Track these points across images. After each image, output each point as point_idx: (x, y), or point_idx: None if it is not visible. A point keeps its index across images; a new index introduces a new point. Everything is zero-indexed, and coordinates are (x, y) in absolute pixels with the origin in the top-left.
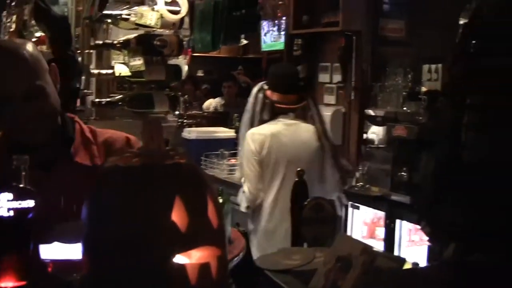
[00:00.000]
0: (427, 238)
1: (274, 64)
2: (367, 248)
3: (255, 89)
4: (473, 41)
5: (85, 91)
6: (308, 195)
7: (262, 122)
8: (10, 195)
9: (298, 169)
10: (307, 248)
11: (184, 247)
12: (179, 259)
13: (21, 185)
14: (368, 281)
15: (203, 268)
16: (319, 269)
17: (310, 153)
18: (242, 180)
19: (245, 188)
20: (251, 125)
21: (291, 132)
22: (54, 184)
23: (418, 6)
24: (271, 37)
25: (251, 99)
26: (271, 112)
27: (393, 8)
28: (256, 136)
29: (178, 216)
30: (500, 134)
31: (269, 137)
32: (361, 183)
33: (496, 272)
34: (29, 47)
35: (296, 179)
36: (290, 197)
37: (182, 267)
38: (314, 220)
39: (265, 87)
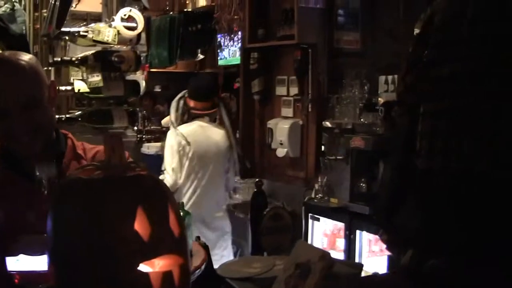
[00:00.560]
0: (385, 246)
1: (194, 76)
2: (325, 255)
3: (177, 96)
4: (425, 49)
5: None
6: (267, 205)
7: (183, 123)
8: None
9: (257, 179)
10: (267, 257)
11: (147, 256)
12: (143, 267)
13: None
14: (326, 286)
15: (166, 276)
16: (279, 276)
17: (218, 150)
18: (163, 168)
19: (166, 175)
20: (173, 125)
21: (204, 132)
22: (42, 197)
23: (373, 18)
24: (228, 52)
25: (173, 104)
26: (189, 116)
27: (347, 20)
28: (176, 135)
29: (140, 226)
30: (452, 141)
31: (186, 136)
32: (320, 195)
33: (452, 278)
34: (30, 60)
35: (255, 190)
36: (250, 206)
37: (145, 275)
38: (273, 229)
39: (186, 95)
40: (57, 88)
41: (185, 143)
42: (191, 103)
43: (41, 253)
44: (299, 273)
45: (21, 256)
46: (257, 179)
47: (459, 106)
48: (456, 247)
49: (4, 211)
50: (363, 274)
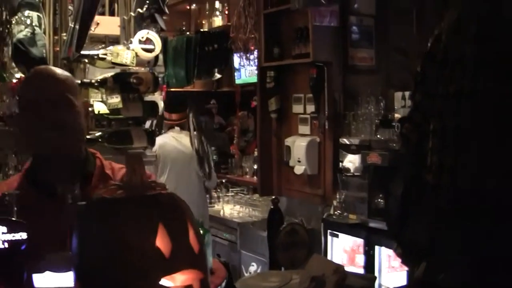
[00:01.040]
0: (399, 259)
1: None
2: (339, 268)
3: None
4: (432, 68)
5: None
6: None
7: (160, 133)
8: (4, 228)
9: (273, 197)
10: (284, 271)
11: (168, 271)
12: (164, 282)
13: (13, 219)
14: None
15: None
16: None
17: (186, 156)
18: None
19: None
20: None
21: (174, 141)
22: (69, 216)
23: (386, 35)
24: (244, 71)
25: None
26: (166, 127)
27: (361, 38)
28: None
29: (161, 242)
30: (461, 157)
31: (158, 145)
32: (338, 212)
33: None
34: (71, 77)
35: (271, 207)
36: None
37: None
38: (290, 245)
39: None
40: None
41: (156, 153)
42: (166, 115)
43: (66, 270)
44: (314, 286)
45: (47, 273)
46: (273, 197)
47: (466, 123)
48: (465, 261)
49: (30, 229)
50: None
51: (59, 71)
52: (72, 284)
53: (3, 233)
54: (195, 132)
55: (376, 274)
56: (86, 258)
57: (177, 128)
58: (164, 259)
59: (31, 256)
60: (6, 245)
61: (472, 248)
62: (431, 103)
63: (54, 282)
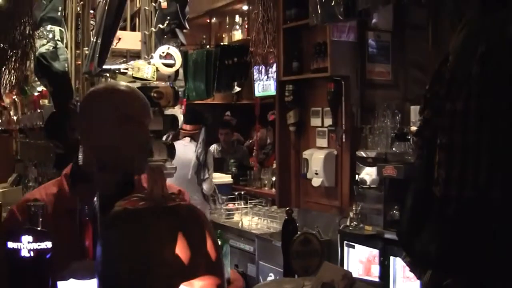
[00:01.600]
0: (408, 267)
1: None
2: (347, 274)
3: None
4: (441, 85)
5: None
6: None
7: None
8: (30, 238)
9: (287, 208)
10: (297, 278)
11: (187, 277)
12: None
13: (38, 228)
14: None
15: None
16: None
17: (188, 164)
18: None
19: None
20: None
21: (181, 149)
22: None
23: (403, 50)
24: (263, 84)
25: None
26: (181, 135)
27: (379, 53)
28: None
29: (181, 250)
30: (467, 171)
31: None
32: (355, 223)
33: None
34: None
35: (286, 218)
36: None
37: None
38: (303, 253)
39: None
40: None
41: None
42: (183, 125)
43: (89, 277)
44: None
45: (71, 280)
46: (287, 208)
47: (472, 139)
48: (470, 269)
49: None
50: None
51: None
52: None
53: (28, 242)
54: (201, 143)
55: (391, 284)
56: (109, 266)
57: (187, 138)
58: (183, 266)
59: (56, 264)
60: (32, 253)
61: (476, 257)
62: (440, 119)
63: None
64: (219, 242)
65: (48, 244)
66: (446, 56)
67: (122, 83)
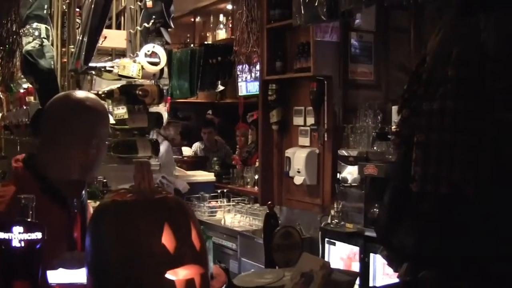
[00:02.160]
0: (385, 261)
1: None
2: (325, 264)
3: None
4: (418, 86)
5: None
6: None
7: None
8: (21, 228)
9: (269, 202)
10: (278, 269)
11: (173, 266)
12: (169, 276)
13: (29, 220)
14: None
15: (189, 283)
16: (287, 285)
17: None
18: None
19: None
20: None
21: None
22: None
23: (385, 51)
24: (246, 84)
25: None
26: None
27: (361, 53)
28: None
29: (167, 240)
30: (442, 168)
31: None
32: (336, 221)
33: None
34: None
35: (267, 212)
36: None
37: (171, 282)
38: (284, 246)
39: None
40: None
41: None
42: None
43: (78, 267)
44: (303, 281)
45: (61, 270)
46: (269, 202)
47: (448, 137)
48: (444, 261)
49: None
50: None
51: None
52: (85, 280)
53: (19, 232)
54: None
55: (371, 280)
56: (98, 255)
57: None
58: (169, 255)
59: (46, 255)
60: (23, 244)
61: (450, 250)
62: (417, 119)
63: (67, 278)
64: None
65: (38, 235)
66: (424, 58)
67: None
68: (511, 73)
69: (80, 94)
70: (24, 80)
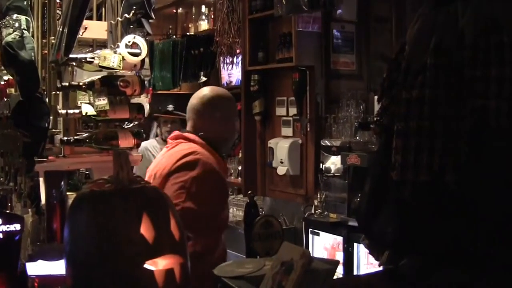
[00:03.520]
0: (367, 250)
1: None
2: (305, 253)
3: None
4: (397, 75)
5: (53, 130)
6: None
7: None
8: None
9: (249, 192)
10: (259, 259)
11: (152, 256)
12: (148, 266)
13: (8, 211)
14: (307, 280)
15: (169, 273)
16: (267, 274)
17: None
18: None
19: None
20: None
21: None
22: None
23: (367, 41)
24: (229, 74)
25: None
26: None
27: (343, 43)
28: None
29: (145, 230)
30: (422, 155)
31: None
32: (319, 211)
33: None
34: None
35: (248, 201)
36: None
37: (150, 272)
38: (264, 235)
39: None
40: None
41: None
42: None
43: (57, 258)
44: (283, 270)
45: (40, 261)
46: (249, 191)
47: (427, 125)
48: (424, 248)
49: None
50: None
51: None
52: (63, 272)
53: None
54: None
55: (355, 270)
56: (76, 246)
57: None
58: (148, 245)
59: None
60: (1, 235)
61: (431, 238)
62: (397, 107)
63: (46, 270)
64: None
65: (17, 227)
66: (403, 46)
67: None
68: (488, 60)
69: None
70: (5, 72)
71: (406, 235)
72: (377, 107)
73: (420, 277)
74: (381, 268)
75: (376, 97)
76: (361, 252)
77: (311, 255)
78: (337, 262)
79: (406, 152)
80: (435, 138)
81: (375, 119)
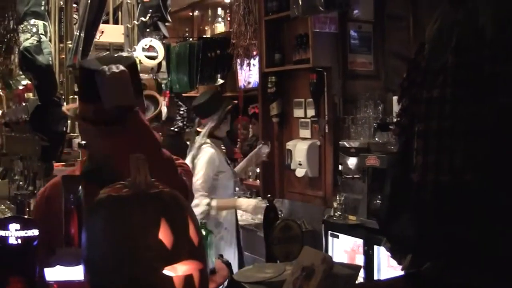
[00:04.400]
0: (389, 253)
1: None
2: (326, 258)
3: None
4: (417, 75)
5: (71, 134)
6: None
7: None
8: (17, 225)
9: (268, 195)
10: (279, 264)
11: (170, 262)
12: (167, 272)
13: (26, 217)
14: (328, 285)
15: (188, 279)
16: (288, 279)
17: None
18: None
19: None
20: None
21: None
22: None
23: (384, 40)
24: (246, 76)
25: None
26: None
27: (360, 43)
28: None
29: (164, 235)
30: (443, 156)
31: None
32: (338, 213)
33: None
34: None
35: (267, 205)
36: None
37: (169, 278)
38: (284, 239)
39: None
40: None
41: None
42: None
43: (75, 264)
44: (304, 275)
45: (58, 267)
46: (268, 195)
47: (448, 125)
48: (447, 252)
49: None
50: None
51: None
52: (82, 277)
53: (16, 230)
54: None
55: (376, 273)
56: (94, 252)
57: None
58: (166, 251)
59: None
60: (20, 241)
61: (452, 240)
62: (417, 107)
63: (64, 275)
64: (204, 233)
65: (35, 232)
66: (422, 45)
67: None
68: (510, 57)
69: None
70: (23, 76)
71: (428, 237)
72: (395, 107)
73: (442, 281)
74: (402, 272)
75: (394, 97)
76: (381, 254)
77: (332, 260)
78: (359, 267)
79: (427, 153)
80: (456, 138)
81: (395, 120)
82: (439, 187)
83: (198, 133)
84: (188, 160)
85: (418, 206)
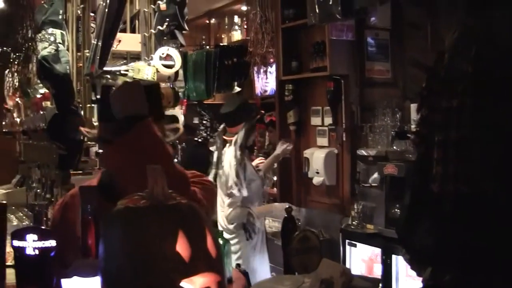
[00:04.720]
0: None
1: None
2: (345, 271)
3: None
4: (436, 84)
5: (89, 143)
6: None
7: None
8: (35, 236)
9: (287, 206)
10: (297, 275)
11: (188, 274)
12: (184, 284)
13: (43, 227)
14: None
15: None
16: None
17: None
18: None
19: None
20: None
21: None
22: None
23: (402, 48)
24: (263, 84)
25: None
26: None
27: (378, 51)
28: None
29: (181, 247)
30: (463, 166)
31: None
32: (356, 222)
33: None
34: None
35: (285, 215)
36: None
37: None
38: (302, 250)
39: None
40: None
41: None
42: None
43: (93, 275)
44: None
45: (75, 278)
46: (287, 205)
47: (467, 134)
48: (467, 264)
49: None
50: None
51: None
52: None
53: (34, 240)
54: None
55: (394, 282)
56: (111, 263)
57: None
58: (184, 263)
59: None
60: (37, 252)
61: (473, 251)
62: (436, 117)
63: (81, 286)
64: (220, 242)
65: (52, 242)
66: (442, 54)
67: None
68: None
69: None
70: (41, 85)
71: (448, 249)
72: (413, 115)
73: None
74: (422, 283)
75: (412, 105)
76: (399, 264)
77: (351, 272)
78: (378, 280)
79: (447, 163)
80: (475, 148)
81: (413, 128)
82: (460, 197)
83: (225, 141)
84: (226, 167)
85: (438, 216)
